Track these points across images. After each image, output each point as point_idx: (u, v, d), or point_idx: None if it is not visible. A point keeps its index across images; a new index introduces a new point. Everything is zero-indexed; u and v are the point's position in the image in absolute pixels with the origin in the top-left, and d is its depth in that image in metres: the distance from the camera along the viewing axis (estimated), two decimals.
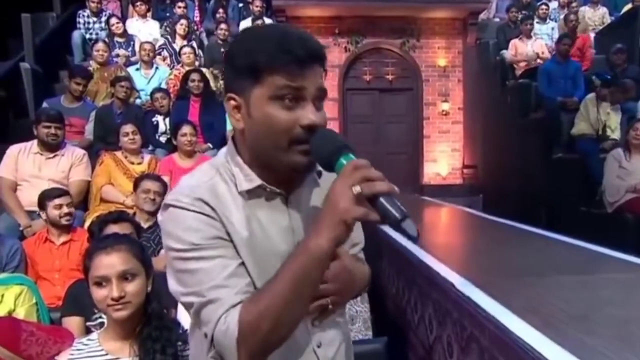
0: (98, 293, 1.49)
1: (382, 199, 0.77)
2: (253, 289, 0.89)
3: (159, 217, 0.96)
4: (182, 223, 0.89)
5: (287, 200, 0.97)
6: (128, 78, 5.08)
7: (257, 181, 0.94)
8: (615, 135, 5.18)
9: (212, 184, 0.94)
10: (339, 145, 0.85)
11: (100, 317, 2.03)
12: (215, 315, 0.85)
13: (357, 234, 1.10)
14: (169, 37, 6.33)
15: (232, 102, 0.93)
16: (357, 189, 0.78)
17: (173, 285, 0.92)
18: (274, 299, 0.82)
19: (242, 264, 0.90)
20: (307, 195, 1.00)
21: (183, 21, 6.25)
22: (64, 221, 2.96)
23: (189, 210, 0.89)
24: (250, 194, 0.94)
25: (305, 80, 0.88)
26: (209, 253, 0.88)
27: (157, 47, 6.18)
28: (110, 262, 1.50)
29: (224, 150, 1.02)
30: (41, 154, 3.68)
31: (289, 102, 0.88)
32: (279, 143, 0.89)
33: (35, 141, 3.70)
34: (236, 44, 0.95)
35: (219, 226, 0.90)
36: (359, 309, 2.51)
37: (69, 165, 3.73)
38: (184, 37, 6.19)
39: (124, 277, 1.50)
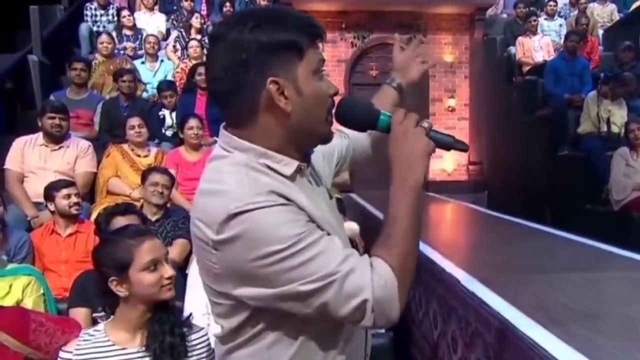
0: (150, 277, 1.51)
1: (431, 132, 0.93)
2: None
3: (224, 235, 0.83)
4: (271, 222, 0.82)
5: (308, 178, 0.99)
6: (132, 71, 5.07)
7: (294, 162, 0.93)
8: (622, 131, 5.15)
9: (254, 178, 0.87)
10: (372, 106, 1.01)
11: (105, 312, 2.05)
12: (365, 279, 0.84)
13: None
14: (183, 31, 6.33)
15: (274, 86, 0.87)
16: (425, 124, 0.92)
17: (264, 290, 0.84)
18: (406, 236, 0.89)
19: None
20: (313, 175, 1.02)
21: (197, 14, 6.29)
22: (73, 210, 2.97)
23: (269, 206, 0.82)
24: (292, 178, 0.92)
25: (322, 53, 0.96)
26: (315, 236, 0.84)
27: (171, 39, 6.23)
28: (158, 245, 1.58)
29: (228, 151, 0.93)
30: (46, 146, 3.69)
31: (322, 74, 0.94)
32: (323, 114, 0.94)
33: (40, 133, 3.72)
34: (258, 27, 0.87)
35: (301, 211, 0.86)
36: None
37: (75, 157, 3.75)
38: (198, 31, 6.19)
39: (166, 259, 1.58)
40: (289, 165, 0.92)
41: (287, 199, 0.85)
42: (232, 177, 0.87)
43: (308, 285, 0.82)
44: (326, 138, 0.98)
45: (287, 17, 0.91)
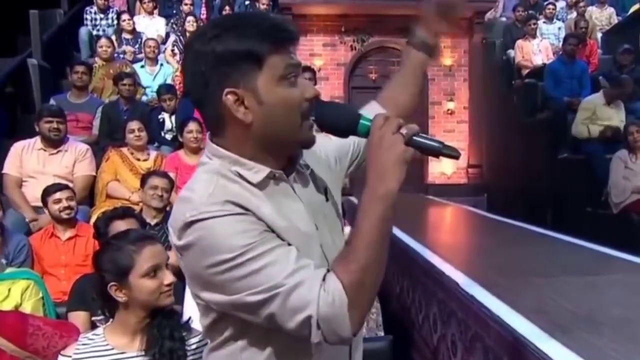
0: (150, 284, 1.50)
1: (416, 138, 0.87)
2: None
3: (182, 241, 0.86)
4: (222, 231, 0.83)
5: (291, 184, 0.97)
6: (131, 75, 5.08)
7: (265, 170, 0.92)
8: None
9: (222, 186, 0.89)
10: (353, 111, 0.94)
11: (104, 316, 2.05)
12: (312, 294, 0.81)
13: None
14: (180, 34, 6.34)
15: (232, 97, 0.88)
16: (404, 131, 0.86)
17: (218, 296, 0.86)
18: (368, 251, 0.84)
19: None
20: (302, 176, 1.00)
21: (190, 18, 6.26)
22: (64, 215, 2.97)
23: (222, 216, 0.84)
24: (261, 186, 0.91)
25: (296, 56, 0.93)
26: (266, 247, 0.84)
27: (169, 43, 6.23)
28: (159, 251, 1.57)
29: (208, 158, 0.96)
30: (45, 150, 3.70)
31: (293, 79, 0.90)
32: (295, 120, 0.91)
33: (38, 137, 3.73)
34: (217, 37, 0.88)
35: (258, 221, 0.86)
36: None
37: (73, 161, 3.76)
38: None
39: (166, 265, 1.57)
40: (259, 172, 0.91)
41: (245, 208, 0.86)
42: (201, 185, 0.90)
43: (254, 297, 0.83)
44: (306, 142, 0.95)
45: (250, 24, 0.89)
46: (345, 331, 0.83)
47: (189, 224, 0.84)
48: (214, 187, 0.88)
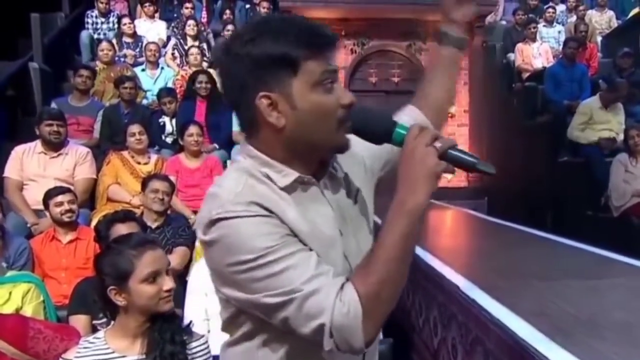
0: (149, 289, 1.50)
1: (451, 151, 0.85)
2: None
3: (207, 237, 0.87)
4: (245, 232, 0.84)
5: (321, 189, 0.97)
6: (132, 78, 5.09)
7: (294, 174, 0.92)
8: (621, 137, 5.15)
9: (251, 187, 0.89)
10: (389, 118, 0.92)
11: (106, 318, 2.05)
12: (327, 302, 0.81)
13: None
14: (180, 38, 6.36)
15: (266, 101, 0.88)
16: (438, 145, 0.84)
17: (238, 293, 0.87)
18: (389, 265, 0.83)
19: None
20: (334, 179, 1.00)
21: (190, 22, 6.27)
22: (65, 218, 2.98)
23: (247, 216, 0.84)
24: (289, 189, 0.91)
25: (334, 62, 0.92)
26: (287, 250, 0.84)
27: (170, 47, 6.23)
28: (159, 256, 1.56)
29: (239, 154, 0.98)
30: (45, 154, 3.71)
31: (329, 85, 0.90)
32: (330, 127, 0.91)
33: (39, 141, 3.74)
34: (253, 40, 0.88)
35: (282, 224, 0.87)
36: None
37: (74, 164, 3.77)
38: (194, 38, 6.21)
39: (167, 270, 1.57)
40: (288, 176, 0.92)
41: (270, 211, 0.86)
42: (230, 182, 0.90)
43: (271, 299, 0.84)
44: (340, 147, 0.95)
45: (287, 28, 0.89)
46: (357, 342, 0.82)
47: (215, 221, 0.85)
48: (242, 186, 0.89)
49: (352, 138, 0.95)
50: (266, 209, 0.86)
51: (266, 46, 0.87)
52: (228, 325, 1.00)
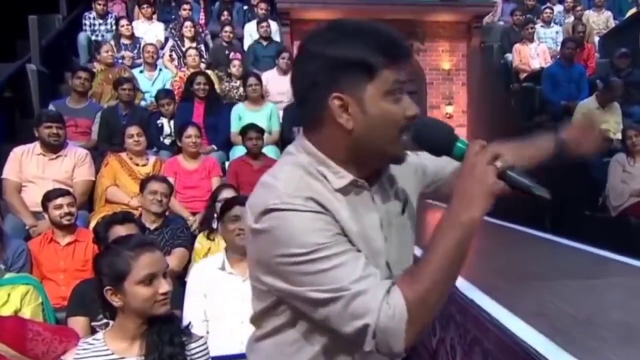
0: (145, 291, 1.50)
1: (509, 172, 0.86)
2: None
3: (258, 225, 0.88)
4: (299, 226, 0.85)
5: (372, 195, 0.98)
6: (131, 79, 5.09)
7: (349, 177, 0.93)
8: (618, 136, 5.16)
9: (307, 182, 0.91)
10: (450, 132, 0.93)
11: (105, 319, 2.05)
12: (374, 303, 0.82)
13: None
14: (177, 39, 6.36)
15: (338, 102, 0.90)
16: (499, 164, 0.85)
17: (282, 284, 0.88)
18: (437, 274, 0.84)
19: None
20: (384, 187, 1.02)
21: (187, 23, 6.27)
22: (64, 221, 2.97)
23: (302, 211, 0.86)
24: (343, 191, 0.93)
25: (405, 74, 0.93)
26: (338, 249, 0.85)
27: (167, 49, 6.23)
28: (157, 259, 1.55)
29: (297, 150, 0.98)
30: (44, 155, 3.70)
31: (399, 95, 0.91)
32: (392, 136, 0.92)
33: (38, 142, 3.73)
34: (334, 42, 0.90)
35: (335, 223, 0.88)
36: None
37: (72, 166, 3.76)
38: (192, 39, 6.21)
39: (164, 273, 1.55)
40: (343, 178, 0.93)
41: (326, 208, 0.88)
42: (286, 175, 0.92)
43: (317, 294, 0.85)
44: (397, 158, 0.97)
45: (368, 34, 0.91)
46: (397, 346, 0.83)
47: (270, 211, 0.86)
48: (299, 180, 0.90)
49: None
50: (322, 205, 0.87)
51: (346, 49, 0.89)
52: (261, 317, 1.00)
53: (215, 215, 3.22)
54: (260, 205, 0.88)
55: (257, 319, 1.02)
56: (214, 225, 3.22)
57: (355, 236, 0.90)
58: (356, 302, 0.83)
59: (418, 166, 1.13)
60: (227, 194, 3.22)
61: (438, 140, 0.93)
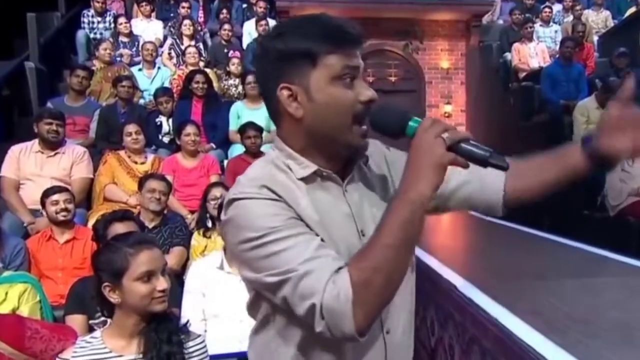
0: (143, 288, 1.50)
1: (463, 144, 0.85)
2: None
3: (224, 216, 0.93)
4: (254, 211, 0.88)
5: (343, 188, 0.99)
6: (130, 77, 5.09)
7: (313, 167, 0.96)
8: None
9: (270, 175, 0.94)
10: (404, 112, 0.93)
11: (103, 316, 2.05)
12: (319, 284, 0.82)
13: None
14: (176, 37, 6.35)
15: (286, 92, 0.93)
16: (445, 135, 0.84)
17: (248, 273, 0.91)
18: (384, 252, 0.82)
19: (322, 240, 0.89)
20: (360, 182, 1.02)
21: (186, 21, 6.26)
22: (60, 217, 2.97)
23: (258, 198, 0.89)
24: (307, 181, 0.95)
25: (357, 59, 0.94)
26: (290, 232, 0.86)
27: (166, 47, 6.22)
28: (155, 257, 1.55)
29: (272, 148, 1.03)
30: (42, 153, 3.70)
31: (349, 81, 0.93)
32: (344, 122, 0.93)
33: (36, 140, 3.73)
34: (280, 35, 0.94)
35: (290, 209, 0.90)
36: None
37: (70, 163, 3.76)
38: (190, 37, 6.20)
39: (163, 270, 1.56)
40: (307, 168, 0.96)
41: (279, 195, 0.90)
42: (254, 170, 0.98)
43: (271, 278, 0.86)
44: (351, 146, 0.96)
45: (312, 24, 0.93)
46: (347, 327, 0.81)
47: (231, 201, 0.91)
48: (262, 173, 0.95)
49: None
50: (275, 192, 0.90)
51: (291, 41, 0.92)
52: (250, 309, 1.04)
53: (208, 214, 3.22)
54: (226, 198, 0.94)
55: (248, 310, 1.05)
56: (209, 224, 3.22)
57: (314, 223, 0.91)
58: (303, 283, 0.83)
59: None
60: (217, 192, 3.22)
61: (392, 122, 0.93)
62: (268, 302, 0.96)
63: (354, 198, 0.99)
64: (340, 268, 0.84)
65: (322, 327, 0.83)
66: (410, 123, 0.91)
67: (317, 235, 0.90)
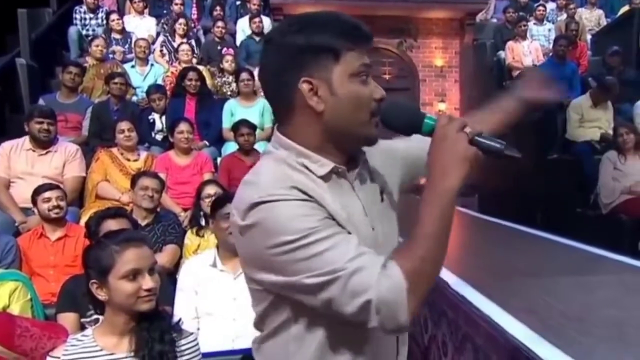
0: (128, 287, 1.48)
1: (479, 138, 0.89)
2: None
3: (246, 221, 0.88)
4: (285, 214, 0.86)
5: (352, 184, 1.00)
6: (123, 74, 5.06)
7: (329, 164, 0.96)
8: (609, 133, 5.18)
9: (288, 174, 0.93)
10: (417, 110, 0.97)
11: (95, 314, 2.03)
12: (371, 278, 0.82)
13: None
14: (168, 35, 6.31)
15: (307, 85, 0.93)
16: (468, 130, 0.88)
17: (276, 277, 0.88)
18: (428, 241, 0.85)
19: None
20: (364, 177, 1.04)
21: (181, 20, 6.22)
22: (52, 214, 2.95)
23: (288, 200, 0.87)
24: (325, 178, 0.95)
25: (369, 58, 0.97)
26: (328, 232, 0.86)
27: (158, 44, 6.18)
28: (143, 255, 1.52)
29: (275, 148, 0.99)
30: (34, 151, 3.66)
31: (365, 78, 0.95)
32: (363, 117, 0.95)
33: (27, 138, 3.69)
34: (301, 30, 0.93)
35: (321, 208, 0.89)
36: None
37: (63, 162, 3.72)
38: (183, 36, 6.17)
39: (151, 269, 1.53)
40: (324, 166, 0.95)
41: (309, 195, 0.89)
42: (267, 170, 0.95)
43: (314, 279, 0.84)
44: (370, 140, 0.99)
45: (331, 21, 0.95)
46: (402, 317, 0.83)
47: (255, 205, 0.87)
48: (280, 173, 0.93)
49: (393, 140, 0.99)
50: (305, 193, 0.89)
51: (311, 36, 0.92)
52: (263, 318, 1.00)
53: (202, 212, 3.20)
54: (245, 202, 0.89)
55: (259, 322, 1.02)
56: (202, 222, 3.20)
57: (344, 221, 0.92)
58: (354, 280, 0.83)
59: (399, 156, 1.15)
60: (210, 190, 3.21)
61: (406, 119, 0.95)
62: (291, 307, 0.94)
63: (361, 193, 1.01)
64: (385, 262, 0.85)
65: (377, 322, 0.83)
66: (427, 120, 0.93)
67: (348, 231, 0.91)
